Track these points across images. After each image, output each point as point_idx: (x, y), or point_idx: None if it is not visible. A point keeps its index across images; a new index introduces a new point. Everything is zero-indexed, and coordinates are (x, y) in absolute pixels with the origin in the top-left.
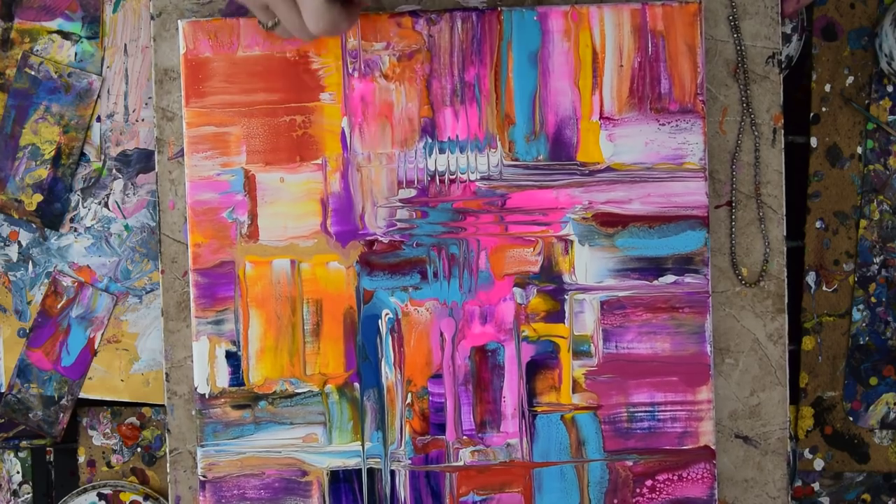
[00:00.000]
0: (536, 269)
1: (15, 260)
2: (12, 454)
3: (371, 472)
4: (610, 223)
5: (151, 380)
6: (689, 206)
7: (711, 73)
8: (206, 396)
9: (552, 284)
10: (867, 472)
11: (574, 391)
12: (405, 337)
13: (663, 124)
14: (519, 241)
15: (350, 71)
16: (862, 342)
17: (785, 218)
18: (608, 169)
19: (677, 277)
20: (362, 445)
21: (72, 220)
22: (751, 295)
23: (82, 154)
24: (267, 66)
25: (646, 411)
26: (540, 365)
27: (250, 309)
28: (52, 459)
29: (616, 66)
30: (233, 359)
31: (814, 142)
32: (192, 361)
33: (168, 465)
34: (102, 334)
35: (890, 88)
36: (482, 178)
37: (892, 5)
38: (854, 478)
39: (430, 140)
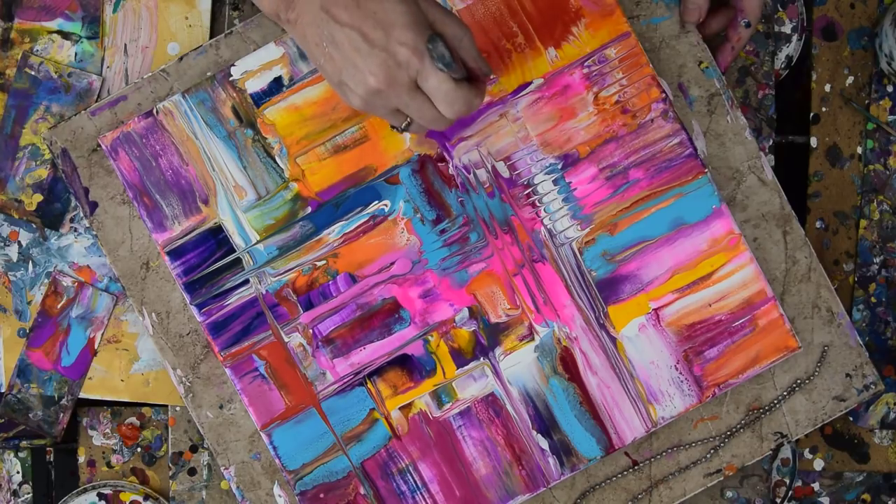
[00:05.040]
0: (494, 321)
1: (15, 260)
2: (12, 454)
3: (237, 261)
4: (566, 371)
5: (151, 380)
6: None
7: None
8: (230, 77)
9: (487, 343)
10: (867, 472)
11: (401, 409)
12: (373, 233)
13: (677, 380)
14: (511, 292)
15: (584, 64)
16: (862, 342)
17: None
18: (613, 340)
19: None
20: (257, 244)
21: (72, 220)
22: None
23: None
24: None
25: (406, 480)
26: (409, 364)
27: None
28: (52, 459)
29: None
30: (276, 84)
31: (814, 142)
32: (255, 48)
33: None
34: (102, 334)
35: (890, 88)
36: (548, 230)
37: (892, 5)
38: (854, 478)
39: (561, 166)
